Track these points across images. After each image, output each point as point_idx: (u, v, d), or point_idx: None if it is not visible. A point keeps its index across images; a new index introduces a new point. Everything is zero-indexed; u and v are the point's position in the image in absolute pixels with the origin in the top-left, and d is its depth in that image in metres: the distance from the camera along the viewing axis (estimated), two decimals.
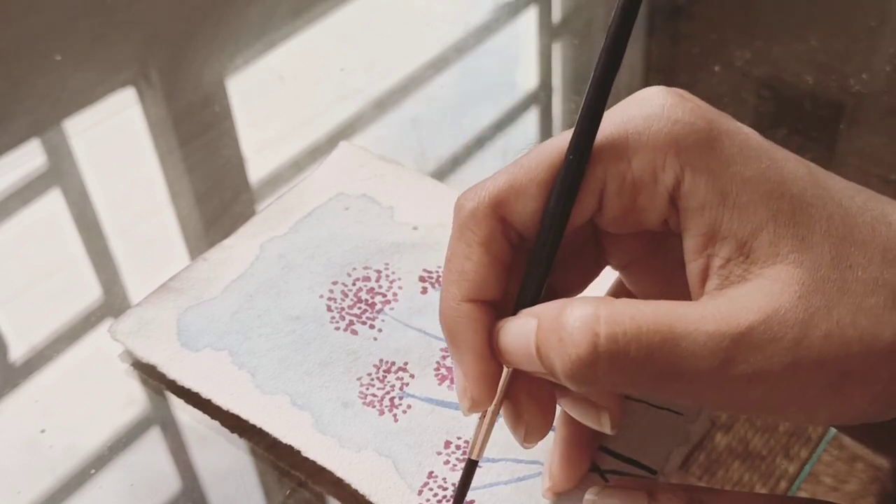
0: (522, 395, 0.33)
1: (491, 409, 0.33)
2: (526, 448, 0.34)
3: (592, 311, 0.28)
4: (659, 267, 0.34)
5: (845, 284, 0.29)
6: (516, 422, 0.33)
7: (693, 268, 0.31)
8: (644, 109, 0.31)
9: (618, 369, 0.28)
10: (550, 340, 0.29)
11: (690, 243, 0.30)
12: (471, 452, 0.34)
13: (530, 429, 0.33)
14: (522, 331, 0.30)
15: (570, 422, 0.36)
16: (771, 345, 0.28)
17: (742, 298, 0.29)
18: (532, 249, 0.32)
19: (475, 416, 0.33)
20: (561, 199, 0.31)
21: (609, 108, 0.31)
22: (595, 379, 0.28)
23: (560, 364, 0.29)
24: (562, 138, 0.31)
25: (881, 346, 0.28)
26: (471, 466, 0.34)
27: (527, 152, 0.32)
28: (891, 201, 0.31)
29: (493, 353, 0.32)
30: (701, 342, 0.28)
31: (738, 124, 0.31)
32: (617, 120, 0.31)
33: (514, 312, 0.31)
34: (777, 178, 0.29)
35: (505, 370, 0.32)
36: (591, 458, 0.36)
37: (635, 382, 0.29)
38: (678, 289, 0.32)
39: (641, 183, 0.31)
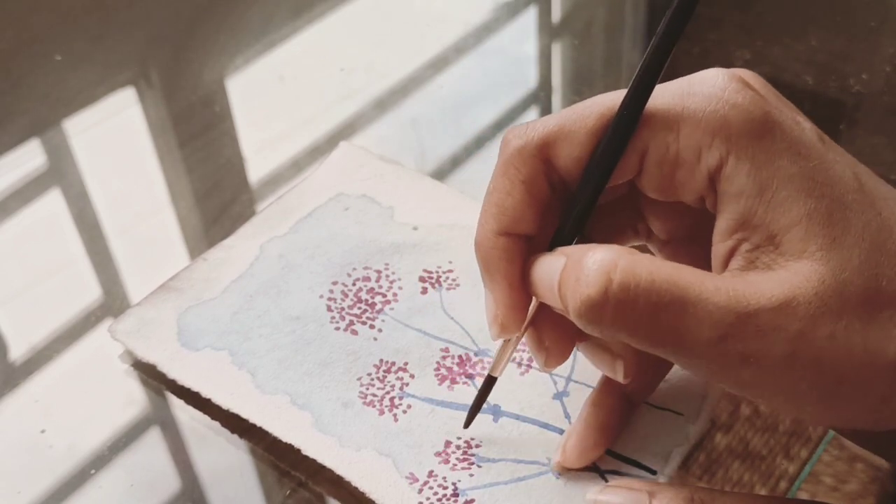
0: (547, 325, 0.34)
1: (516, 336, 0.34)
2: (546, 371, 0.35)
3: (612, 258, 0.29)
4: (697, 251, 0.33)
5: (866, 293, 0.29)
6: (538, 348, 0.34)
7: (720, 248, 0.31)
8: (705, 88, 0.31)
9: (623, 317, 0.29)
10: (570, 278, 0.30)
11: (722, 225, 0.31)
12: (492, 370, 0.36)
13: (550, 355, 0.34)
14: (551, 267, 0.31)
15: (596, 404, 0.37)
16: (774, 332, 0.28)
17: (760, 283, 0.29)
18: (574, 193, 0.33)
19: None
20: (608, 150, 0.31)
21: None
22: (600, 321, 0.29)
23: (572, 301, 0.30)
24: (616, 94, 0.32)
25: (884, 361, 0.28)
26: (489, 382, 0.36)
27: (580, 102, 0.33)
28: None
29: (523, 284, 0.33)
30: (707, 312, 0.28)
31: (798, 118, 0.31)
32: (676, 91, 0.31)
33: (550, 249, 0.32)
34: (822, 178, 0.29)
35: (534, 300, 0.33)
36: (606, 445, 0.37)
37: (636, 334, 0.29)
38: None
39: (684, 158, 0.31)
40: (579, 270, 0.29)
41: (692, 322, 0.28)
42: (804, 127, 0.31)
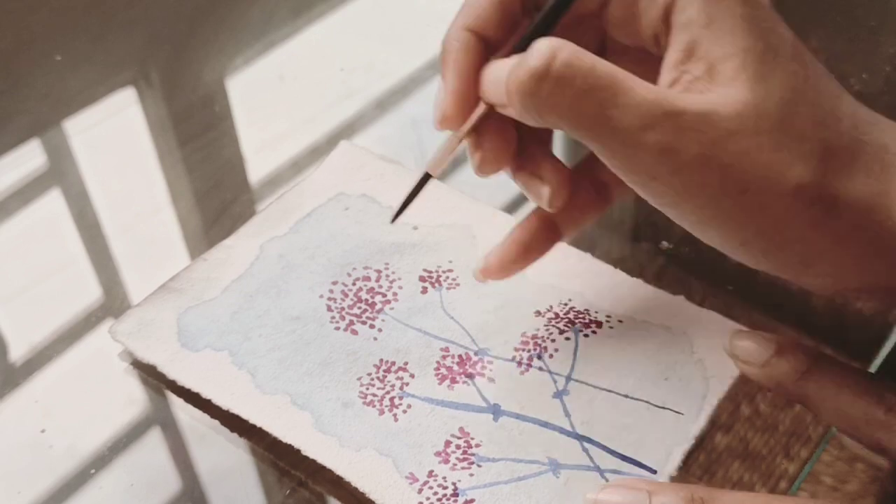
0: (489, 131, 0.37)
1: (460, 132, 0.36)
2: (479, 175, 0.38)
3: (559, 42, 0.32)
4: None
5: (780, 124, 0.32)
6: (475, 148, 0.37)
7: (665, 78, 0.34)
8: None
9: (559, 93, 0.32)
10: (518, 63, 0.32)
11: (670, 58, 0.34)
12: (429, 165, 0.38)
13: (485, 157, 0.37)
14: (504, 65, 0.34)
15: (524, 226, 0.40)
16: (693, 133, 0.32)
17: (690, 96, 0.32)
18: (541, 10, 0.35)
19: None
20: None
21: None
22: (539, 95, 0.32)
23: (515, 77, 0.32)
24: None
25: (783, 184, 0.32)
26: (424, 178, 0.38)
27: None
28: (852, 97, 0.35)
29: (472, 81, 0.36)
30: (637, 101, 0.32)
31: None
32: None
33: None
34: (764, 25, 0.33)
35: (480, 107, 0.36)
36: (527, 263, 0.40)
37: (570, 112, 0.32)
38: None
39: None
40: (528, 52, 0.32)
41: (621, 107, 0.32)
42: None
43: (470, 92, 0.36)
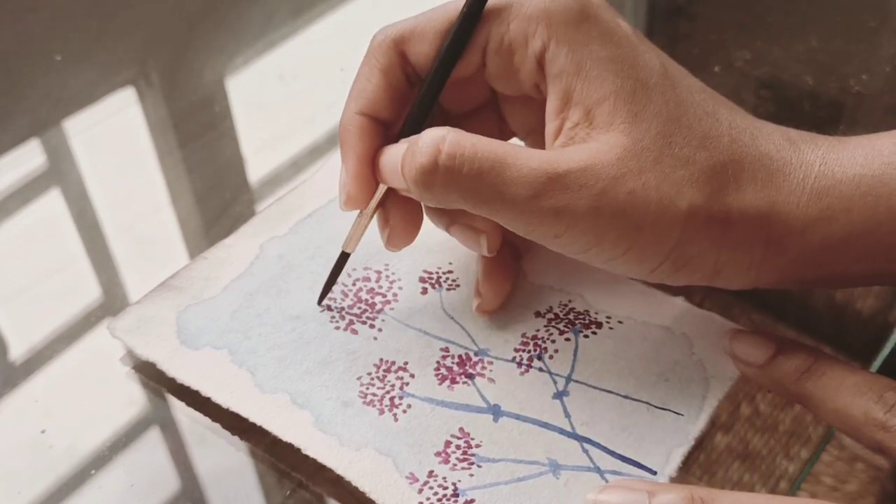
0: (393, 208, 0.39)
1: (367, 211, 0.39)
2: (389, 250, 0.40)
3: (442, 134, 0.34)
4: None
5: (661, 157, 0.34)
6: (383, 225, 0.40)
7: (550, 128, 0.36)
8: None
9: (452, 181, 0.34)
10: (408, 156, 0.35)
11: (550, 106, 0.36)
12: (344, 245, 0.41)
13: (394, 233, 0.40)
14: (396, 152, 0.37)
15: (487, 257, 0.41)
16: (580, 189, 0.34)
17: (571, 152, 0.35)
18: (421, 85, 0.38)
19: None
20: (451, 45, 0.37)
21: None
22: (433, 185, 0.35)
23: (409, 171, 0.35)
24: (459, 1, 0.37)
25: (675, 211, 0.34)
26: (343, 258, 0.42)
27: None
28: (732, 105, 0.37)
29: (371, 162, 0.38)
30: (522, 174, 0.34)
31: (614, 15, 0.36)
32: None
33: (399, 138, 0.38)
34: (630, 62, 0.35)
35: (381, 186, 0.39)
36: (511, 279, 0.42)
37: (465, 196, 0.35)
38: None
39: (516, 45, 0.37)
40: (415, 146, 0.35)
41: (509, 182, 0.34)
42: (619, 21, 0.36)
43: (370, 174, 0.39)
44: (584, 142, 0.35)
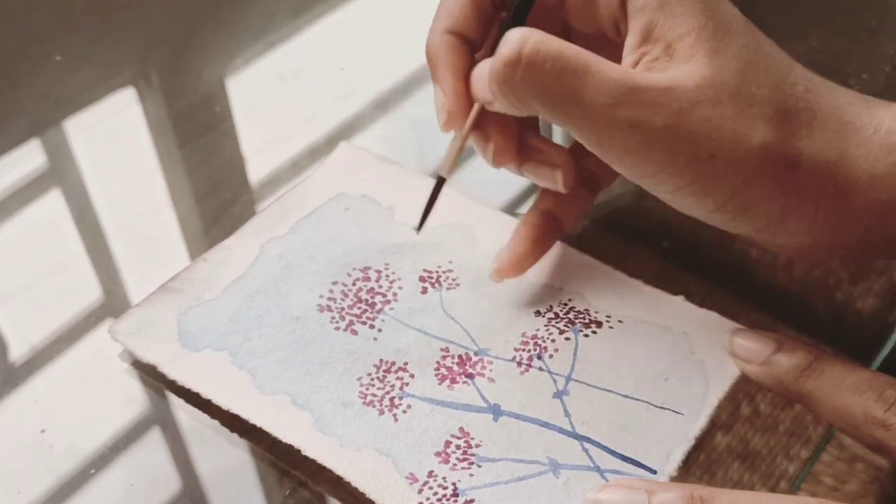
0: (491, 125, 0.39)
1: (462, 132, 0.39)
2: (496, 166, 0.40)
3: (528, 31, 0.35)
4: None
5: (738, 93, 0.35)
6: (485, 143, 0.40)
7: (627, 61, 0.36)
8: None
9: (532, 76, 0.34)
10: (495, 59, 0.35)
11: (630, 41, 0.36)
12: (440, 169, 0.41)
13: (497, 149, 0.40)
14: (486, 64, 0.37)
15: (527, 222, 0.42)
16: (658, 106, 0.34)
17: (651, 74, 0.35)
18: (508, 7, 0.38)
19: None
20: None
21: None
22: (513, 79, 0.35)
23: (492, 65, 0.35)
24: None
25: (748, 146, 0.34)
26: (440, 182, 0.41)
27: None
28: (803, 67, 0.37)
29: (465, 77, 0.39)
30: (604, 80, 0.34)
31: None
32: None
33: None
34: (713, 4, 0.36)
35: (476, 105, 0.39)
36: (537, 257, 0.42)
37: (543, 95, 0.35)
38: None
39: None
40: (501, 44, 0.35)
41: (590, 87, 0.34)
42: None
43: (466, 90, 0.39)
44: (663, 72, 0.35)
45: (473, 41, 0.40)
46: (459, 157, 0.40)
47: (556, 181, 0.40)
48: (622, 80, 0.34)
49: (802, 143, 0.35)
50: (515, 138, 0.40)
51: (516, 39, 0.34)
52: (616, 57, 0.37)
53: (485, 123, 0.39)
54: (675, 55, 0.35)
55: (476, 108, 0.39)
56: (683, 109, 0.34)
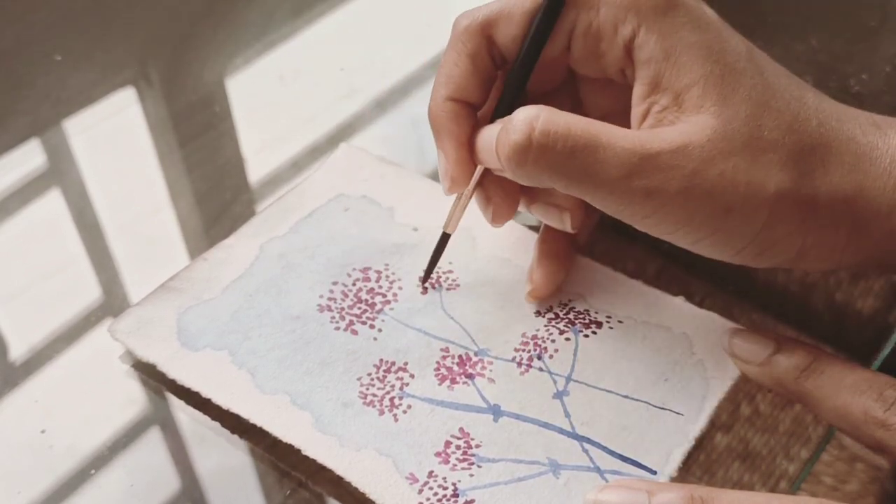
0: (492, 186, 0.40)
1: (466, 192, 0.40)
2: (494, 226, 0.41)
3: (535, 112, 0.35)
4: (627, 126, 0.38)
5: (750, 140, 0.34)
6: (486, 204, 0.41)
7: (637, 111, 0.37)
8: None
9: (545, 159, 0.35)
10: (503, 134, 0.36)
11: (638, 91, 0.36)
12: (445, 226, 0.42)
13: (497, 211, 0.41)
14: (491, 133, 0.37)
15: (547, 240, 0.43)
16: (672, 170, 0.34)
17: (662, 133, 0.35)
18: (510, 67, 0.39)
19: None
20: (539, 27, 0.38)
21: None
22: (525, 163, 0.35)
23: (503, 148, 0.35)
24: None
25: (764, 194, 0.34)
26: (444, 238, 0.42)
27: None
28: (816, 91, 0.37)
29: (468, 144, 0.39)
30: (615, 153, 0.34)
31: (699, 2, 0.37)
32: None
33: (492, 121, 0.39)
34: (717, 47, 0.36)
35: (478, 168, 0.40)
36: (566, 270, 0.43)
37: (557, 174, 0.35)
38: None
39: (604, 31, 0.37)
40: (509, 125, 0.35)
41: (602, 162, 0.34)
42: (704, 8, 0.37)
43: (468, 156, 0.39)
44: (673, 124, 0.35)
45: (475, 104, 0.40)
46: (462, 214, 0.41)
47: (563, 223, 0.41)
48: (633, 149, 0.34)
49: (819, 182, 0.35)
50: (517, 196, 0.41)
51: (525, 123, 0.35)
52: (623, 95, 0.38)
53: (487, 183, 0.40)
54: (685, 105, 0.35)
55: (479, 170, 0.40)
56: (697, 169, 0.34)
